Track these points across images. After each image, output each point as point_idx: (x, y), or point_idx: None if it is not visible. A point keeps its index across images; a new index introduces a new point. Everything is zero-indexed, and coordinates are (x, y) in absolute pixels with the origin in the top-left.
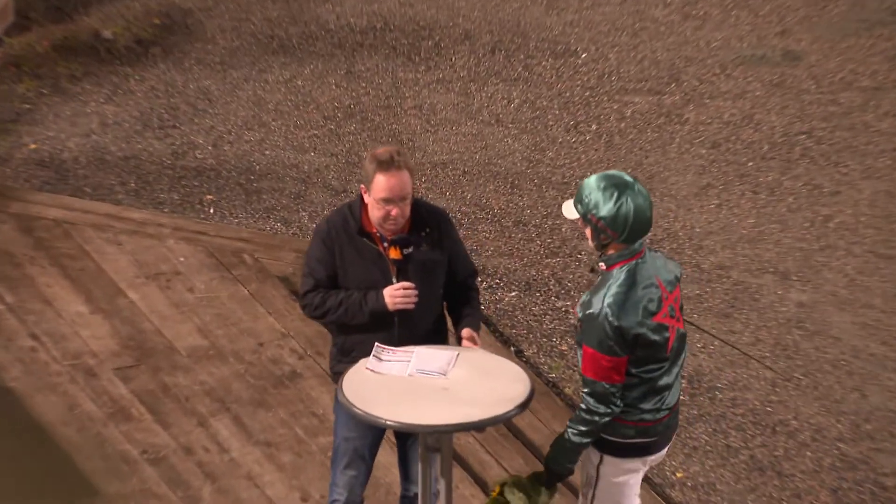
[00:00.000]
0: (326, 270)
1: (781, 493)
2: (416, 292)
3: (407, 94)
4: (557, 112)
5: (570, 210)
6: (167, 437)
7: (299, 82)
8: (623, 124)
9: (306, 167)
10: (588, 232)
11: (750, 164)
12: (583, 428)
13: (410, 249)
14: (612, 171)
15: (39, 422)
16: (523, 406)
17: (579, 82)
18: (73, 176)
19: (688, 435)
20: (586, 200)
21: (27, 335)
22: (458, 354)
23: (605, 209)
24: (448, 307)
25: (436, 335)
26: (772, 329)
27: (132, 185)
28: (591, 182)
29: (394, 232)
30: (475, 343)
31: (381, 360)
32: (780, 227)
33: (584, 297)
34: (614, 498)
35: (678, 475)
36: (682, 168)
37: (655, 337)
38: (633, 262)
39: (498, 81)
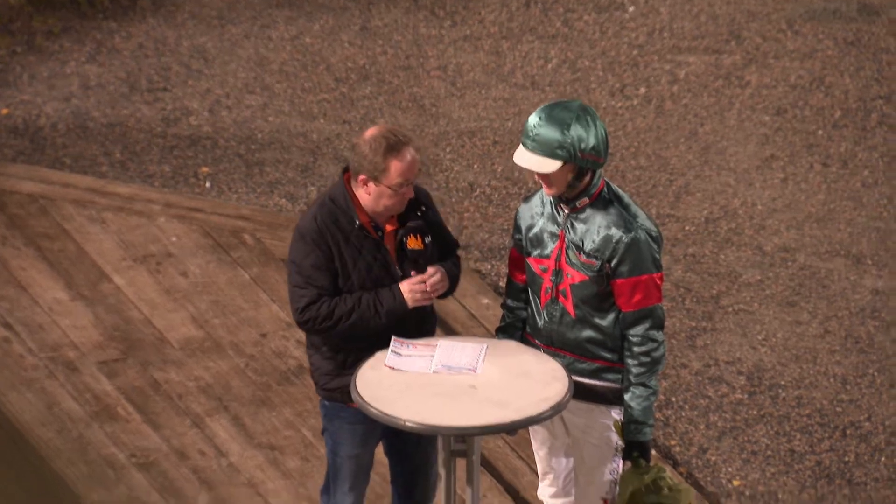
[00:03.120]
0: (328, 276)
1: (852, 503)
2: (436, 286)
3: (430, 54)
4: (601, 73)
5: (544, 164)
6: (158, 439)
7: (307, 39)
8: (675, 88)
9: (315, 136)
10: (561, 177)
11: (820, 132)
12: (659, 368)
13: (429, 238)
14: (553, 104)
15: (13, 422)
16: (560, 407)
17: (626, 40)
18: (50, 145)
19: (746, 438)
20: (568, 143)
21: None
22: (487, 347)
23: (591, 139)
24: None
25: (428, 325)
26: (843, 319)
27: (118, 155)
28: (552, 126)
29: (393, 217)
30: (433, 278)
31: (400, 355)
32: (853, 204)
33: (591, 245)
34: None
35: (735, 483)
36: (743, 137)
37: None
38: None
39: (533, 38)
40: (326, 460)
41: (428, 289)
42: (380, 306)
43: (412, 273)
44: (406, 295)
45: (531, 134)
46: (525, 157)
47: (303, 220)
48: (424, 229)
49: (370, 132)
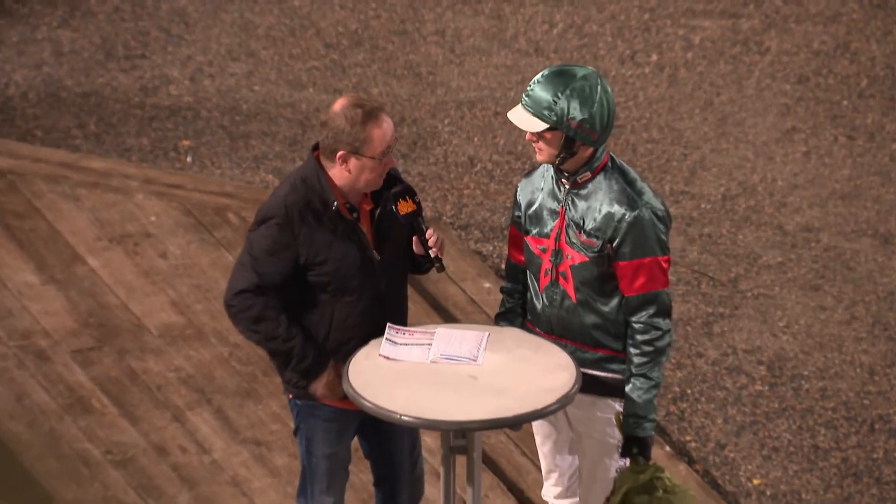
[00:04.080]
0: (279, 267)
1: (881, 503)
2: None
3: (427, 17)
4: (610, 39)
5: (531, 122)
6: (135, 433)
7: (295, 2)
8: (690, 54)
9: (304, 106)
10: (552, 143)
11: (844, 102)
12: (663, 359)
13: (418, 197)
14: (559, 67)
15: None
16: (567, 399)
17: (636, 2)
18: (20, 116)
19: (767, 434)
20: (557, 107)
21: None
22: (489, 335)
23: (585, 110)
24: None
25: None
26: (870, 304)
27: (92, 127)
28: (548, 86)
29: (367, 196)
30: (433, 237)
31: (395, 344)
32: (880, 179)
33: (591, 224)
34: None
35: (755, 482)
36: (762, 108)
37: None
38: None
39: (537, 1)
40: (301, 462)
41: (433, 247)
42: (296, 361)
43: (414, 239)
44: (318, 389)
45: (528, 90)
46: (516, 113)
47: (270, 202)
48: (410, 190)
49: (339, 105)
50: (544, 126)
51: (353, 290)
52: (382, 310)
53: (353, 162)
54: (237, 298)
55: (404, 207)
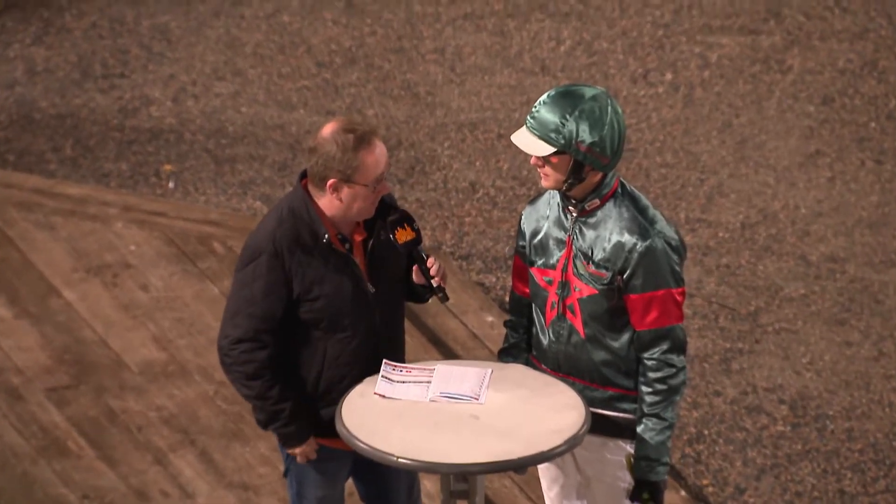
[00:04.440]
0: (275, 305)
1: None
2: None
3: (425, 34)
4: (621, 57)
5: (536, 146)
6: (114, 477)
7: (285, 18)
8: (707, 73)
9: (294, 128)
10: (559, 167)
11: (872, 124)
12: (677, 398)
13: (416, 224)
14: (566, 88)
15: None
16: (575, 440)
17: (650, 18)
18: None
19: (789, 477)
20: (565, 130)
21: None
22: (491, 372)
23: (595, 133)
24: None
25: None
26: None
27: (68, 151)
28: (555, 107)
29: (360, 226)
30: (435, 266)
31: (392, 381)
32: None
33: (600, 254)
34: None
35: None
36: (784, 130)
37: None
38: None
39: (543, 17)
40: None
41: (435, 276)
42: (280, 425)
43: (414, 268)
44: (298, 453)
45: (533, 111)
46: (521, 136)
47: (257, 236)
48: (408, 217)
49: (329, 129)
50: (551, 150)
51: (347, 326)
52: (378, 345)
53: (344, 190)
54: (235, 349)
55: (403, 236)
